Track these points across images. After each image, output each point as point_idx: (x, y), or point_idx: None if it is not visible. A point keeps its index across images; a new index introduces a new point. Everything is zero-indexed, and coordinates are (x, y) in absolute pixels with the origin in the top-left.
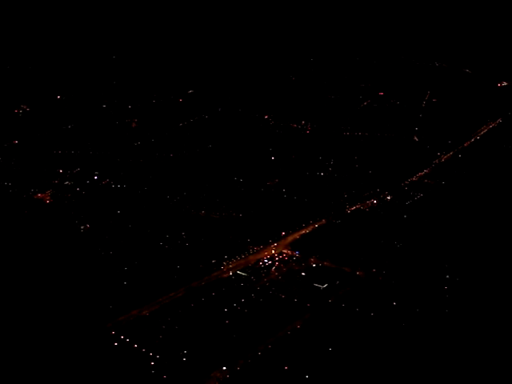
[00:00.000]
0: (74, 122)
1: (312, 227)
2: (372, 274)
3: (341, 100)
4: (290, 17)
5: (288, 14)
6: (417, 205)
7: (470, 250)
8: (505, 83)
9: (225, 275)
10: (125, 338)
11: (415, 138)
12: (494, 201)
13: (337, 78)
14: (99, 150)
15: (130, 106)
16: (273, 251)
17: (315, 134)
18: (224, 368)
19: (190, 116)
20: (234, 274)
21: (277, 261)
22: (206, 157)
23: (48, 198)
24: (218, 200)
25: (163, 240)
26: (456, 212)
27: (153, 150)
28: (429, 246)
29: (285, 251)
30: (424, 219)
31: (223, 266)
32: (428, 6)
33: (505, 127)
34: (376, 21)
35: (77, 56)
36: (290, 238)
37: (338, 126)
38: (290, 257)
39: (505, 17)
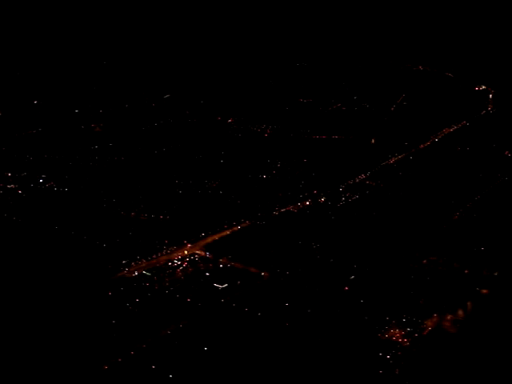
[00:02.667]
0: (41, 127)
1: (234, 229)
2: (276, 274)
3: (312, 104)
4: (267, 21)
5: (265, 18)
6: (348, 206)
7: (382, 251)
8: (483, 87)
9: (129, 275)
10: None
11: (372, 141)
12: (428, 205)
13: (314, 82)
14: (54, 154)
15: (100, 110)
16: (186, 252)
17: (272, 138)
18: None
19: (157, 120)
20: (140, 273)
21: (186, 261)
22: (157, 160)
23: None
24: (154, 202)
25: (82, 240)
26: (383, 214)
27: (107, 154)
28: (344, 248)
29: (198, 252)
30: (350, 221)
31: (132, 266)
32: (415, 10)
33: (466, 130)
34: (363, 24)
35: (58, 60)
36: (209, 240)
37: (299, 129)
38: (201, 258)
39: (491, 22)
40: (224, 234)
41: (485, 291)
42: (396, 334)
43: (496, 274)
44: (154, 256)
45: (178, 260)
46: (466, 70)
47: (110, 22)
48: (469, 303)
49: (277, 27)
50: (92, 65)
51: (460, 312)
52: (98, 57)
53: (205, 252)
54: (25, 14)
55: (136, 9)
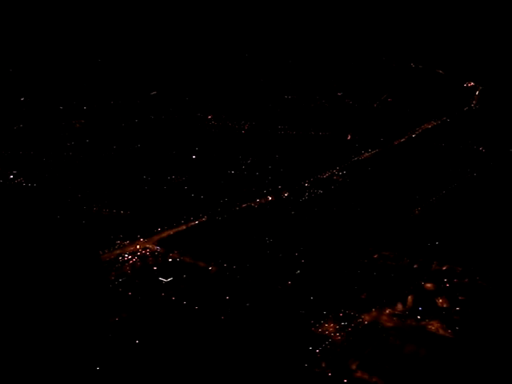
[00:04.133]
0: (23, 123)
1: (190, 224)
2: (223, 269)
3: (295, 100)
4: (261, 19)
5: (257, 15)
6: (310, 202)
7: (334, 246)
8: (472, 84)
9: None
10: None
11: (348, 137)
12: (391, 200)
13: (303, 79)
14: (30, 150)
15: (85, 107)
16: (138, 246)
17: (249, 134)
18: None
19: (138, 117)
20: None
21: (136, 256)
22: (128, 156)
23: None
24: (118, 197)
25: (41, 234)
26: (344, 210)
27: (81, 150)
28: (296, 243)
29: (149, 246)
30: (309, 216)
31: None
32: (408, 7)
33: (444, 126)
34: (356, 21)
35: (48, 57)
36: (164, 234)
37: (277, 125)
38: (152, 252)
39: (486, 21)
40: (180, 228)
41: (429, 285)
42: (330, 328)
43: (445, 268)
44: (106, 250)
45: (129, 254)
46: (458, 67)
47: (104, 22)
48: (409, 297)
49: (270, 24)
50: (83, 62)
51: (399, 306)
52: (91, 54)
53: (156, 246)
54: (16, 12)
55: (128, 7)
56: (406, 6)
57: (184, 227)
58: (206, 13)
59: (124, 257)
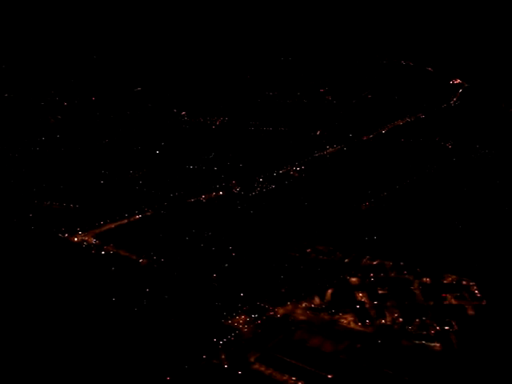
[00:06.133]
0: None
1: (134, 218)
2: (153, 262)
3: (276, 96)
4: (253, 16)
5: (250, 13)
6: (259, 196)
7: (270, 240)
8: (458, 81)
9: None
10: None
11: (318, 133)
12: (342, 195)
13: (290, 76)
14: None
15: (65, 103)
16: (76, 239)
17: (219, 129)
18: None
19: (115, 113)
20: None
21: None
22: (93, 152)
23: None
24: (73, 192)
25: None
26: (290, 205)
27: (48, 146)
28: (232, 236)
29: (87, 239)
30: (255, 210)
31: None
32: (400, 5)
33: (418, 123)
34: (352, 21)
35: (37, 54)
36: (104, 228)
37: (250, 121)
38: (88, 245)
39: (479, 21)
40: (122, 222)
41: (354, 279)
42: (240, 320)
43: (375, 262)
44: None
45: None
46: (448, 65)
47: (95, 19)
48: (329, 291)
49: (263, 22)
50: (74, 59)
51: (316, 299)
52: (81, 51)
53: (94, 239)
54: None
55: (117, 6)
56: (402, 5)
57: (126, 221)
58: (197, 12)
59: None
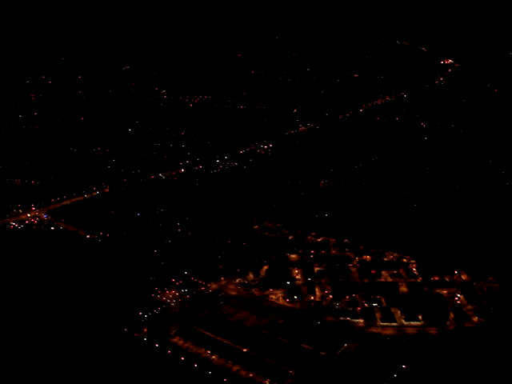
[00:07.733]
0: None
1: (91, 194)
2: (99, 237)
3: (260, 75)
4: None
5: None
6: (220, 174)
7: (220, 216)
8: (450, 61)
9: None
10: None
11: (294, 111)
12: (304, 173)
13: (280, 55)
14: None
15: (50, 81)
16: (28, 215)
17: (196, 107)
18: None
19: (98, 91)
20: None
21: (24, 223)
22: (66, 129)
23: None
24: (37, 168)
25: None
26: (249, 182)
27: (25, 123)
28: (184, 212)
29: (39, 215)
30: (213, 188)
31: None
32: None
33: (397, 102)
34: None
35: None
36: (58, 205)
37: (228, 99)
38: (40, 221)
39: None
40: (78, 199)
41: (293, 256)
42: (170, 295)
43: (319, 240)
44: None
45: (16, 222)
46: (443, 45)
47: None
48: (264, 268)
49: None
50: (66, 36)
51: (250, 275)
52: (74, 29)
53: (46, 215)
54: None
55: None
56: None
57: (81, 198)
58: None
59: (11, 225)
